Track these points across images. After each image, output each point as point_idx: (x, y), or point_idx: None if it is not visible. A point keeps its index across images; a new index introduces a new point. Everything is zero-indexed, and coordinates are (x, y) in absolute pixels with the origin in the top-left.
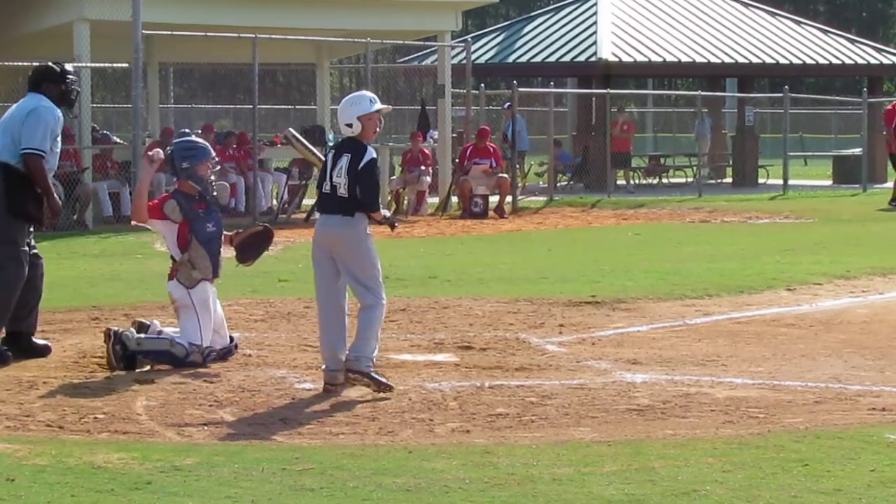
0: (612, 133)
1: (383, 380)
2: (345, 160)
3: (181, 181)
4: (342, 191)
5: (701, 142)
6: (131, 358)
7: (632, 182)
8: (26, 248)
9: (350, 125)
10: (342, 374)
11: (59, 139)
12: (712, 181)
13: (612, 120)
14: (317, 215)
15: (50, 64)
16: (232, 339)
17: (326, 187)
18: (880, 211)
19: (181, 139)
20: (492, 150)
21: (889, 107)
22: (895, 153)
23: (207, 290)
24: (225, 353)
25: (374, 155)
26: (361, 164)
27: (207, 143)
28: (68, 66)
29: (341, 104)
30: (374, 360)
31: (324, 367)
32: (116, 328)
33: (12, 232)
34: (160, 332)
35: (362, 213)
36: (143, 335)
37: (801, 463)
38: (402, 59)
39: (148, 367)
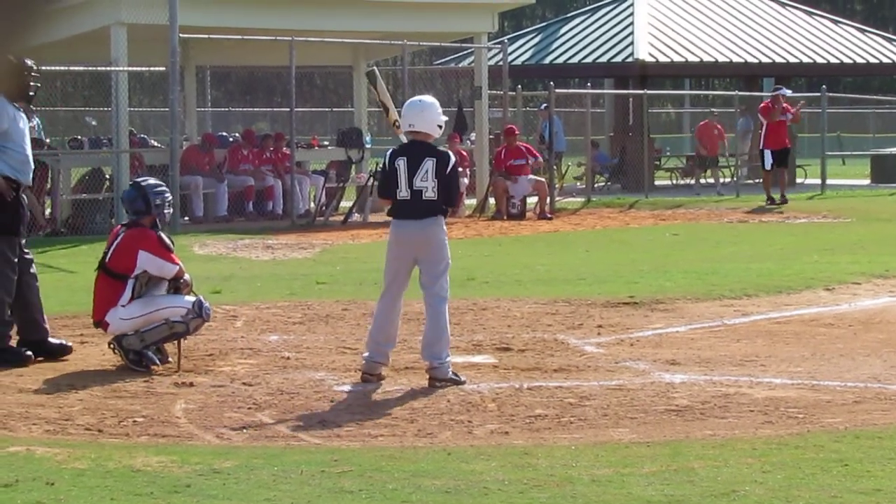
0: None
1: (462, 379)
2: (430, 164)
3: (150, 217)
4: (429, 194)
5: (742, 140)
6: (142, 353)
7: (720, 181)
8: (13, 259)
9: (441, 126)
10: (382, 367)
11: (23, 141)
12: (750, 181)
13: (704, 122)
14: (356, 216)
15: (7, 58)
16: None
17: (405, 194)
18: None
19: (145, 179)
20: (524, 148)
21: (763, 104)
22: (771, 149)
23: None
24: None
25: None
26: (449, 168)
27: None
28: (28, 61)
29: (428, 104)
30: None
31: (366, 355)
32: (116, 338)
33: None
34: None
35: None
36: (143, 329)
37: (841, 463)
38: (438, 61)
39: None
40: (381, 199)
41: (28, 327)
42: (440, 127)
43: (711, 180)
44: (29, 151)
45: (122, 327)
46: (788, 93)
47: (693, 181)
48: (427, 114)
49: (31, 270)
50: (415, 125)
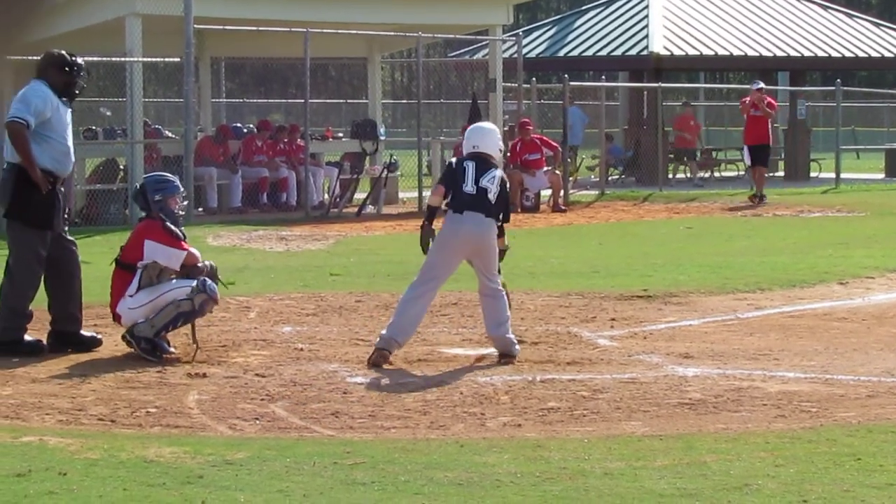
0: (682, 134)
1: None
2: (497, 174)
3: (153, 213)
4: (492, 196)
5: None
6: (155, 342)
7: (697, 175)
8: (42, 253)
9: (501, 150)
10: (390, 356)
11: (66, 132)
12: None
13: (682, 115)
14: (370, 208)
15: (61, 52)
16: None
17: (470, 188)
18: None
19: (153, 174)
20: (539, 141)
21: (745, 98)
22: (747, 145)
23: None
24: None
25: None
26: (507, 187)
27: (177, 179)
28: (79, 60)
29: (490, 129)
30: None
31: (380, 345)
32: (128, 330)
33: (24, 237)
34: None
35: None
36: (152, 316)
37: (854, 457)
38: (453, 53)
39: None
40: (439, 187)
41: (63, 318)
42: (501, 151)
43: (721, 174)
44: (70, 143)
45: (132, 317)
46: (763, 86)
47: (707, 174)
48: (491, 136)
49: (76, 262)
50: (479, 146)
